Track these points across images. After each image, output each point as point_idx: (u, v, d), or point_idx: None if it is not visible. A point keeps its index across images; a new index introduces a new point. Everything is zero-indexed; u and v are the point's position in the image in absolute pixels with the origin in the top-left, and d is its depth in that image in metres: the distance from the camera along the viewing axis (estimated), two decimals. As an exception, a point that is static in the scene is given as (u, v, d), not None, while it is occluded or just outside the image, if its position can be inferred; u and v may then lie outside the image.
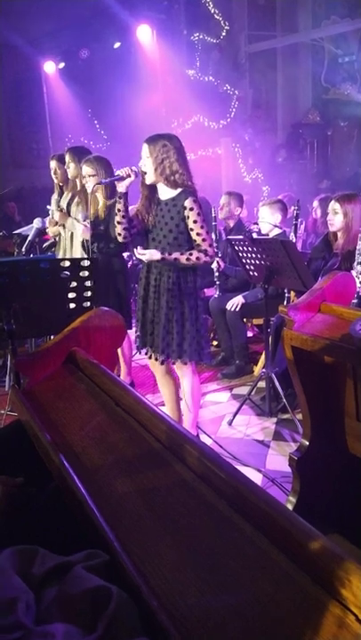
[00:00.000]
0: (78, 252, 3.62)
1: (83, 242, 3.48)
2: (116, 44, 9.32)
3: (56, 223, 3.86)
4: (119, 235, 2.75)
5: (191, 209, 2.56)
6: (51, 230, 3.99)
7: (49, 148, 10.47)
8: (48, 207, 4.11)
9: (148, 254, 2.61)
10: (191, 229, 2.58)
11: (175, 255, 2.57)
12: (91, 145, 9.59)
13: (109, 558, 0.77)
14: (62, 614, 0.67)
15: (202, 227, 2.58)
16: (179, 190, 2.59)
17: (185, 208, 2.56)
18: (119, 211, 2.68)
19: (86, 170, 3.30)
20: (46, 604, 0.69)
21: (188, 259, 2.57)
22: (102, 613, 0.65)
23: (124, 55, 9.30)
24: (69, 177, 3.73)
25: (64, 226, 3.73)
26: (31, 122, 10.98)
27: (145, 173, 2.61)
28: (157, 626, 0.65)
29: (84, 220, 3.38)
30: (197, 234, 2.58)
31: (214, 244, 4.04)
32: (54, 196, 4.14)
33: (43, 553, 0.76)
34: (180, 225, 2.59)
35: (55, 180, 4.10)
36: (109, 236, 3.24)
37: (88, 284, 2.27)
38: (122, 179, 2.63)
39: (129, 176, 2.62)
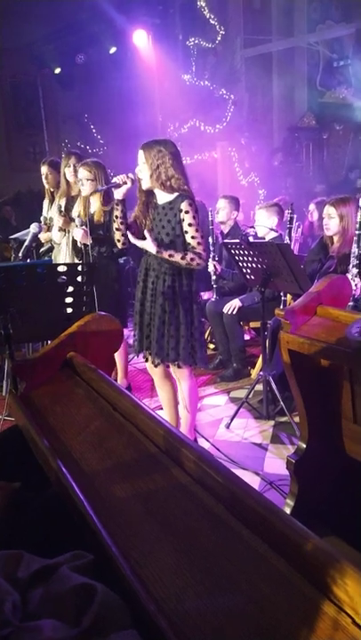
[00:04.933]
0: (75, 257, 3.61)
1: (78, 246, 3.47)
2: (112, 49, 9.34)
3: (48, 229, 3.85)
4: (118, 241, 2.76)
5: (187, 212, 2.57)
6: (43, 236, 3.96)
7: (45, 153, 10.48)
8: (45, 216, 4.08)
9: (144, 243, 2.60)
10: (186, 232, 2.59)
11: (170, 252, 2.57)
12: (87, 149, 9.62)
13: (94, 558, 0.77)
14: (48, 612, 0.67)
15: (196, 230, 2.58)
16: (175, 194, 2.60)
17: (181, 211, 2.57)
18: (117, 217, 2.69)
19: (83, 173, 3.30)
20: (33, 606, 0.69)
21: (182, 257, 2.57)
22: (87, 609, 0.65)
23: (121, 60, 9.33)
24: (77, 178, 3.61)
25: (65, 231, 3.70)
26: (28, 126, 10.99)
27: (141, 179, 2.63)
28: (155, 630, 0.65)
29: (81, 225, 3.38)
30: (192, 237, 2.58)
31: (211, 248, 4.05)
32: (45, 202, 4.13)
33: (28, 557, 0.77)
34: (177, 228, 2.60)
35: (46, 186, 4.09)
36: (111, 241, 3.24)
37: (85, 288, 2.28)
38: (118, 186, 2.64)
39: (125, 183, 2.62)
